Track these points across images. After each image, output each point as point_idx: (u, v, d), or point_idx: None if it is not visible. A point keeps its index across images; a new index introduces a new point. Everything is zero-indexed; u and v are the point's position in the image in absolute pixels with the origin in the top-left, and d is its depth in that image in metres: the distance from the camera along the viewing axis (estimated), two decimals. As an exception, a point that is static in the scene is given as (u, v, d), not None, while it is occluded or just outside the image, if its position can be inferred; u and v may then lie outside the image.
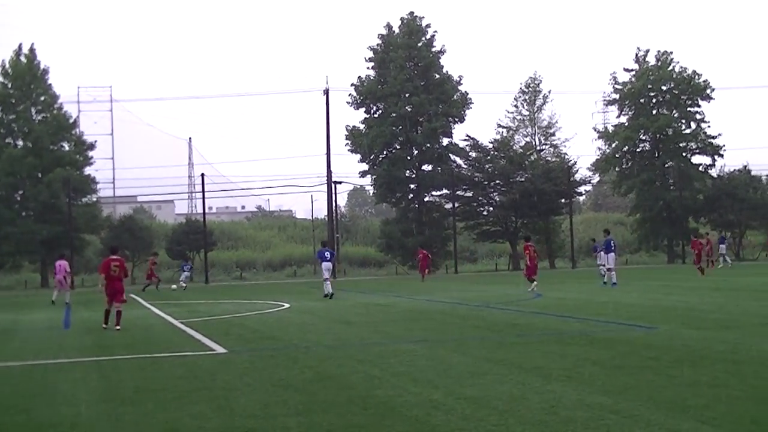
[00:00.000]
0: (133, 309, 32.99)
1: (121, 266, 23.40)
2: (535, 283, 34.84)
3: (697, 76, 75.75)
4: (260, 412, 10.40)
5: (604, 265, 40.58)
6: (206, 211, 74.97)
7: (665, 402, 10.00)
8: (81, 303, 39.72)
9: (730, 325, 18.37)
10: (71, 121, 73.18)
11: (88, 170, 73.83)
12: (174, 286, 51.08)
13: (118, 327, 22.45)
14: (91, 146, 73.90)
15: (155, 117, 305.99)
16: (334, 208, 77.02)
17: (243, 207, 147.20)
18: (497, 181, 73.65)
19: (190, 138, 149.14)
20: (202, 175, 74.05)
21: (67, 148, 72.03)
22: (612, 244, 39.69)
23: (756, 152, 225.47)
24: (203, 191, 73.24)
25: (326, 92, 74.44)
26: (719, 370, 12.18)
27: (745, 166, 77.77)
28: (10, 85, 69.71)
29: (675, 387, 10.98)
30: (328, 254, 37.06)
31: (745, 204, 73.81)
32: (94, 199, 74.33)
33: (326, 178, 74.33)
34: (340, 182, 76.52)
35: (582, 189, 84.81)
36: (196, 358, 16.05)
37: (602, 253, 41.63)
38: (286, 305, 31.23)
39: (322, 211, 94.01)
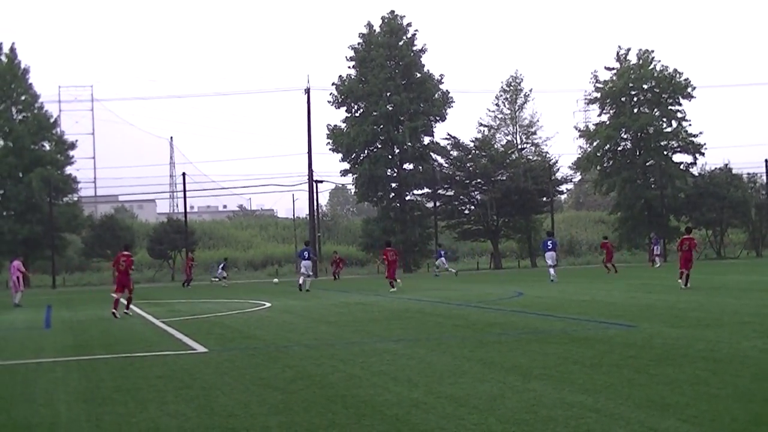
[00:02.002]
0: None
1: (128, 262, 28.07)
2: (394, 287, 39.29)
3: (678, 75, 76.01)
4: (240, 412, 10.39)
5: (438, 267, 50.46)
6: (188, 210, 74.91)
7: (645, 400, 10.04)
8: (63, 303, 39.70)
9: (710, 323, 18.43)
10: (52, 120, 73.08)
11: (69, 170, 73.83)
12: (224, 284, 53.98)
13: (126, 311, 27.78)
14: (72, 145, 73.81)
15: (136, 116, 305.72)
16: (315, 207, 77.03)
17: (224, 206, 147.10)
18: (478, 180, 73.78)
19: (171, 137, 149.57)
20: (184, 174, 74.06)
21: (48, 148, 71.91)
22: (549, 244, 43.00)
23: (737, 150, 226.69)
24: (184, 190, 73.18)
25: (307, 91, 74.42)
26: (699, 368, 12.22)
27: (726, 165, 78.11)
28: (-10, 85, 69.48)
29: (655, 385, 11.02)
30: (306, 253, 41.05)
31: (726, 202, 74.10)
32: (75, 199, 74.20)
33: (307, 177, 74.32)
34: (321, 181, 76.66)
35: (563, 188, 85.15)
36: (176, 358, 16.02)
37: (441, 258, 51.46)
38: (267, 304, 31.21)
39: (303, 211, 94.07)
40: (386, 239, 50.73)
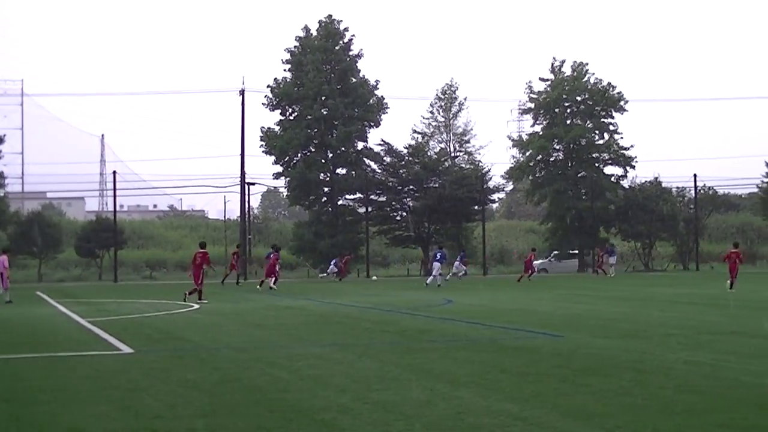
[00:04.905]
0: (39, 307, 32.52)
1: (204, 258, 35.59)
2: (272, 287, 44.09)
3: (611, 88, 76.62)
4: (166, 413, 10.31)
5: (457, 273, 53.39)
6: (117, 209, 74.04)
7: (571, 410, 10.12)
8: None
9: (636, 334, 18.65)
10: (-21, 113, 71.92)
11: (-4, 164, 72.58)
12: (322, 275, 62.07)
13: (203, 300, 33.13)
14: (0, 140, 72.67)
15: (67, 113, 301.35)
16: (246, 209, 76.63)
17: (155, 206, 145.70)
18: (411, 187, 73.80)
19: (102, 135, 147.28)
20: (114, 172, 73.23)
21: (-26, 142, 70.72)
22: (437, 255, 48.80)
23: (666, 164, 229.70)
24: (114, 189, 72.38)
25: (242, 93, 73.98)
26: (625, 379, 12.35)
27: (656, 178, 78.85)
28: None
29: (581, 395, 11.12)
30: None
31: (654, 215, 74.88)
32: (2, 194, 73.02)
33: (240, 179, 73.92)
34: (253, 183, 76.12)
35: (495, 196, 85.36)
36: (101, 358, 15.84)
37: (456, 262, 54.47)
38: (196, 306, 30.96)
39: (234, 213, 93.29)
40: (276, 246, 50.99)
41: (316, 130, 70.81)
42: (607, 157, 77.48)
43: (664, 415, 9.79)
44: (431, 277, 47.81)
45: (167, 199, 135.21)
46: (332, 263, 63.01)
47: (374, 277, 63.05)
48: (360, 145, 73.34)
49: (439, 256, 48.73)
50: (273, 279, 45.83)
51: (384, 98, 73.26)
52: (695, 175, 77.81)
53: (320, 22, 72.84)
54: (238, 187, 74.27)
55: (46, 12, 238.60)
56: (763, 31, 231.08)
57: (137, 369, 14.15)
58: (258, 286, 45.69)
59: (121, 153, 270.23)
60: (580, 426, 9.29)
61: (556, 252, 77.16)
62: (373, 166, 74.56)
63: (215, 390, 11.89)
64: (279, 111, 72.51)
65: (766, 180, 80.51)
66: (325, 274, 64.26)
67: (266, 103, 72.09)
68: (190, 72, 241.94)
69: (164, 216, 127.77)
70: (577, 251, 75.59)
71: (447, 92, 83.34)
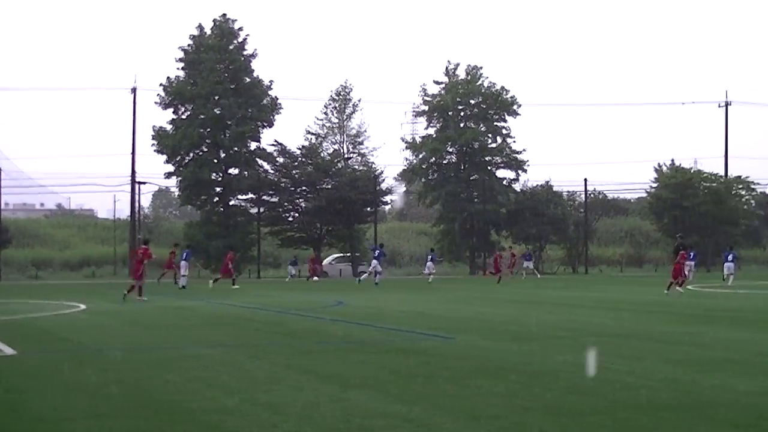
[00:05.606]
0: None
1: (145, 253, 34.01)
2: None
3: (504, 92, 77.48)
4: (49, 416, 10.10)
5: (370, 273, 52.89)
6: (2, 207, 72.49)
7: (459, 411, 10.17)
8: None
9: (525, 337, 18.85)
10: None
11: None
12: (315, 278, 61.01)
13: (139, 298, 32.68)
14: None
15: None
16: (137, 208, 75.71)
17: (42, 204, 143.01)
18: (304, 188, 73.66)
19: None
20: (-1, 169, 71.69)
21: None
22: (431, 257, 54.67)
23: (558, 168, 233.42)
24: (-1, 186, 70.86)
25: (134, 91, 73.16)
26: (512, 380, 12.46)
27: (548, 182, 79.98)
28: None
29: (469, 397, 11.19)
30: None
31: (545, 219, 75.93)
32: None
33: (130, 177, 73.02)
34: (144, 183, 75.32)
35: (388, 198, 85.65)
36: (-17, 359, 15.47)
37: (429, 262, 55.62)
38: (82, 306, 30.41)
39: (124, 212, 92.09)
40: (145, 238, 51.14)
41: (208, 129, 70.20)
42: (499, 161, 78.31)
43: (551, 416, 9.90)
44: (430, 277, 52.92)
45: (55, 198, 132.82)
46: (291, 264, 64.88)
47: (315, 278, 61.43)
48: (253, 145, 72.95)
49: (431, 257, 55.09)
50: (230, 278, 47.73)
51: (278, 99, 73.03)
52: (585, 180, 79.23)
53: (214, 20, 72.26)
54: (129, 186, 73.41)
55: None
56: (651, 38, 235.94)
57: (19, 370, 13.86)
58: (211, 282, 48.18)
59: (6, 150, 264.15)
60: (468, 427, 9.34)
61: (336, 256, 76.06)
62: (266, 166, 74.24)
63: (100, 392, 11.68)
64: (171, 110, 71.72)
65: (654, 185, 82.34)
66: (290, 278, 63.60)
67: (159, 101, 71.23)
68: (80, 68, 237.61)
69: (51, 215, 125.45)
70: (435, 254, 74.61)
71: (341, 93, 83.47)
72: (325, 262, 72.23)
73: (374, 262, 49.87)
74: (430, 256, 56.34)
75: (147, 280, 35.05)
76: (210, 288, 44.99)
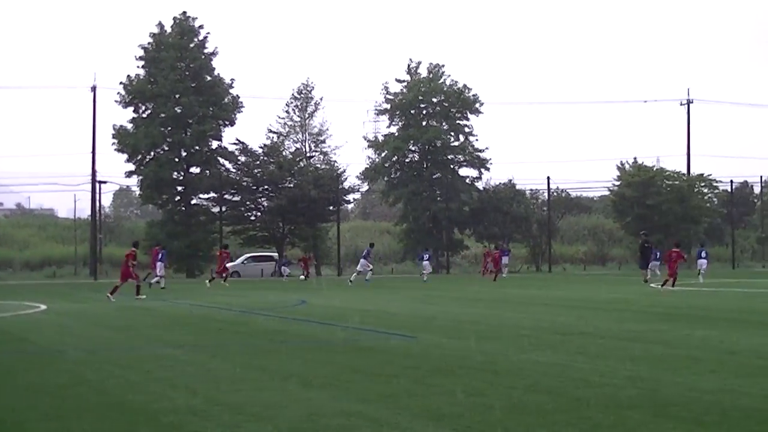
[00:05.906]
0: None
1: (129, 255, 35.13)
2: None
3: (467, 90, 77.54)
4: (8, 418, 9.99)
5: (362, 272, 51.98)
6: (-39, 207, 71.86)
7: (422, 410, 10.16)
8: None
9: (489, 335, 18.86)
10: None
11: None
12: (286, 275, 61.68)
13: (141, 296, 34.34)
14: None
15: None
16: (97, 208, 75.26)
17: (1, 204, 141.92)
18: (266, 187, 73.46)
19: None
20: (-43, 169, 71.07)
21: None
22: (425, 256, 56.47)
23: (521, 167, 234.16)
24: (-42, 186, 70.23)
25: (94, 89, 72.67)
26: (476, 379, 12.47)
27: (510, 180, 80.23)
28: None
29: (432, 396, 11.17)
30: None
31: (508, 217, 76.16)
32: None
33: (91, 177, 72.56)
34: (104, 182, 74.88)
35: (350, 197, 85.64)
36: (-59, 361, 15.30)
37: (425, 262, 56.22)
38: (43, 306, 30.17)
39: (85, 211, 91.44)
40: (225, 244, 51.56)
41: (169, 128, 69.88)
42: (462, 159, 78.32)
43: (514, 415, 9.90)
44: (426, 275, 54.57)
45: (14, 197, 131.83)
46: (284, 263, 64.49)
47: (302, 277, 59.87)
48: (214, 144, 72.74)
49: (427, 257, 56.99)
50: (223, 276, 48.38)
51: (239, 97, 72.89)
52: (548, 178, 79.49)
53: (175, 19, 71.93)
54: (89, 185, 72.93)
55: None
56: (614, 36, 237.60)
57: (-21, 372, 13.71)
58: (207, 282, 49.12)
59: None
60: (431, 426, 9.33)
61: (249, 255, 74.31)
62: (228, 165, 74.03)
63: (61, 392, 11.58)
64: (132, 108, 71.31)
65: (617, 183, 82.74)
66: (286, 277, 62.26)
67: (119, 100, 70.82)
68: (40, 66, 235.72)
69: (11, 214, 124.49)
70: (273, 252, 73.89)
71: (303, 92, 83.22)
72: (237, 261, 68.51)
73: (362, 261, 49.86)
74: (426, 256, 56.66)
75: (131, 280, 34.69)
76: (207, 287, 45.72)
